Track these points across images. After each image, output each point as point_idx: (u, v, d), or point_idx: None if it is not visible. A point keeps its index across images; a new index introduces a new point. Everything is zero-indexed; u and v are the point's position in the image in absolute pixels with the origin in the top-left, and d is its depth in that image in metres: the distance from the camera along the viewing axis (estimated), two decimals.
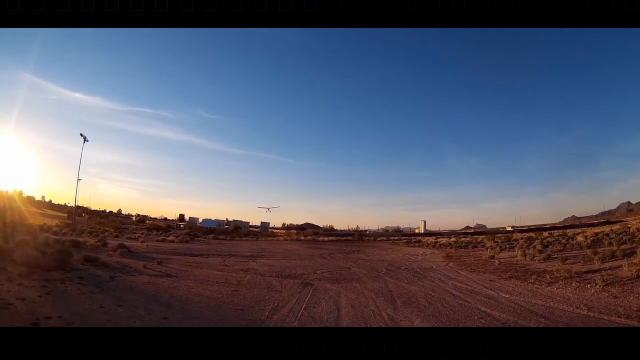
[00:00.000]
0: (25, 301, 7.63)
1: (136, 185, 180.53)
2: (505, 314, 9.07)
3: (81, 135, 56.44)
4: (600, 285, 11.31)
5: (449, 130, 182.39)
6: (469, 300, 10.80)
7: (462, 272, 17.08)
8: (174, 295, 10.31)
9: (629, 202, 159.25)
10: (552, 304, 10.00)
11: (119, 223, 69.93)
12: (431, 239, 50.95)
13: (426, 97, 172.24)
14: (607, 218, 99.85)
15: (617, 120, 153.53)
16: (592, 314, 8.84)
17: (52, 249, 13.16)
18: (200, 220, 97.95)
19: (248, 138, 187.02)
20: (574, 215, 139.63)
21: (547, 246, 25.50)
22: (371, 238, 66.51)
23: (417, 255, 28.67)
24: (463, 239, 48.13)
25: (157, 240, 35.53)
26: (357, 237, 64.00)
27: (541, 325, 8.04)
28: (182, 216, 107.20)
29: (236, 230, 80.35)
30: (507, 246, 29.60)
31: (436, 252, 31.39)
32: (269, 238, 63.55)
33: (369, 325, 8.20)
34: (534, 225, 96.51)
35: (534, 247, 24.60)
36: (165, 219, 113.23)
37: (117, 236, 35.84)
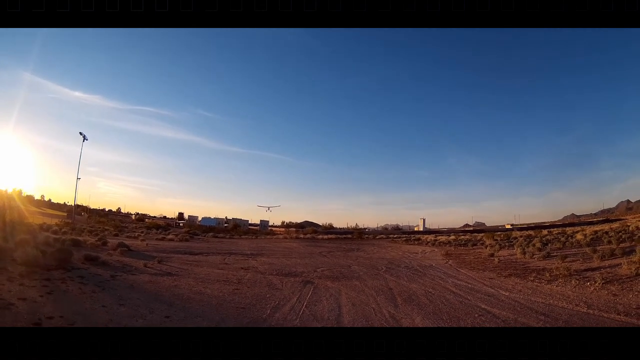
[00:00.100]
0: (27, 301, 7.63)
1: (135, 183, 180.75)
2: (506, 312, 9.10)
3: (80, 134, 56.66)
4: (599, 283, 11.34)
5: (448, 130, 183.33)
6: (469, 297, 10.83)
7: (462, 270, 17.11)
8: (175, 294, 10.33)
9: (628, 201, 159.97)
10: (551, 301, 10.03)
11: (118, 222, 69.89)
12: (430, 237, 50.99)
13: (426, 97, 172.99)
14: (606, 216, 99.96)
15: (616, 119, 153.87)
16: (591, 311, 8.88)
17: (53, 248, 13.17)
18: (200, 219, 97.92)
19: (248, 137, 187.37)
20: (573, 214, 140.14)
21: (547, 244, 25.53)
22: (370, 236, 66.64)
23: (416, 253, 28.72)
24: (462, 237, 48.15)
25: (156, 239, 35.57)
26: (357, 235, 64.11)
27: (541, 323, 8.08)
28: (181, 215, 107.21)
29: (235, 228, 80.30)
30: (507, 244, 29.62)
31: (436, 250, 31.43)
32: (268, 236, 63.65)
33: (370, 323, 8.24)
34: (533, 223, 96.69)
35: (534, 245, 24.60)
36: (165, 217, 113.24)
37: (116, 235, 35.85)
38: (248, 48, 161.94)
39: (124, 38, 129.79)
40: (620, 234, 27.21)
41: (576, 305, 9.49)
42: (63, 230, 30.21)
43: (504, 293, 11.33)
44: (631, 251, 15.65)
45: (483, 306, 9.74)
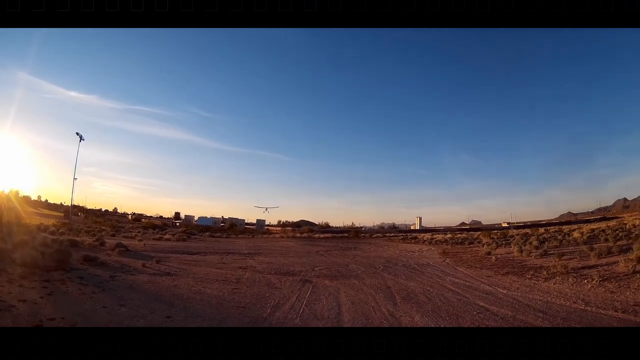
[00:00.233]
0: (27, 303, 7.58)
1: (131, 183, 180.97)
2: (504, 309, 9.17)
3: (77, 134, 56.36)
4: (596, 281, 11.43)
5: (445, 129, 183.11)
6: (467, 295, 10.89)
7: (459, 268, 17.20)
8: (175, 294, 10.31)
9: (625, 199, 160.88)
10: (549, 298, 10.11)
11: (115, 222, 69.69)
12: (427, 236, 51.22)
13: (423, 96, 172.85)
14: (603, 214, 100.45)
15: (613, 118, 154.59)
16: (589, 308, 8.96)
17: (51, 249, 13.10)
18: (196, 218, 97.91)
19: (243, 136, 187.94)
20: (569, 212, 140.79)
21: (543, 242, 25.69)
22: (367, 235, 66.81)
23: (413, 251, 28.82)
24: (459, 235, 48.39)
25: (154, 239, 35.47)
26: (353, 234, 64.28)
27: (539, 320, 8.14)
28: (177, 214, 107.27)
29: (232, 228, 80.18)
30: (503, 242, 29.80)
31: (432, 248, 31.58)
32: (265, 235, 63.70)
33: (370, 321, 8.27)
34: (530, 221, 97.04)
35: (530, 243, 24.75)
36: (161, 217, 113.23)
37: (113, 235, 35.74)
38: (244, 47, 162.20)
39: (120, 37, 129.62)
40: (617, 232, 27.41)
41: (574, 302, 9.56)
42: (60, 230, 30.06)
43: (501, 291, 11.39)
44: (628, 249, 15.75)
45: (481, 304, 9.80)
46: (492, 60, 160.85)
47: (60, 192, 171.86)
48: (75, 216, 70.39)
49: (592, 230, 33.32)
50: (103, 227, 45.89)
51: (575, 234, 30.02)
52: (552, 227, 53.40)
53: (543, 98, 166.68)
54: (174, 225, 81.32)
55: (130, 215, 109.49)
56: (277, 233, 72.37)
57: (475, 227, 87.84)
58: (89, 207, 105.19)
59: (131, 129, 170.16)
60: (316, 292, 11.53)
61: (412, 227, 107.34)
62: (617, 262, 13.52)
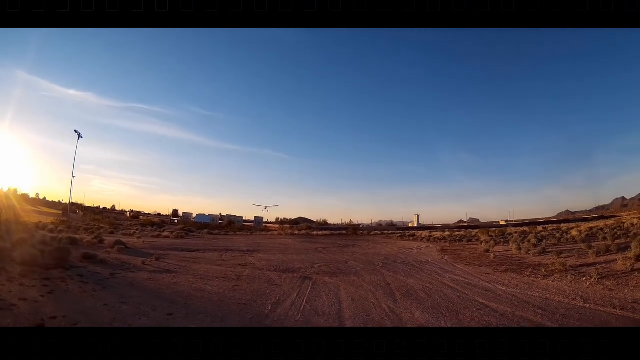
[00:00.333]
0: (28, 301, 7.59)
1: (129, 181, 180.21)
2: (503, 306, 9.24)
3: (75, 131, 56.17)
4: (595, 278, 11.51)
5: (443, 127, 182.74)
6: (466, 292, 10.95)
7: (458, 266, 17.27)
8: (176, 291, 10.34)
9: (623, 198, 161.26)
10: (548, 295, 10.18)
11: (113, 219, 69.52)
12: (425, 233, 51.25)
13: (420, 94, 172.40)
14: (601, 213, 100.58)
15: (612, 116, 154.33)
16: (588, 305, 9.02)
17: (50, 247, 13.10)
18: (194, 216, 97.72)
19: (241, 134, 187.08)
20: (567, 210, 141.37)
21: (542, 240, 25.73)
22: (365, 232, 66.76)
23: (412, 249, 28.86)
24: (457, 232, 48.50)
25: (152, 236, 35.42)
26: (351, 231, 64.17)
27: (539, 316, 8.21)
28: (175, 212, 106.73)
29: (230, 225, 79.97)
30: (502, 240, 29.82)
31: (431, 245, 31.59)
32: (263, 233, 63.62)
33: (371, 317, 8.33)
34: (528, 219, 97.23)
35: (529, 241, 24.79)
36: (159, 214, 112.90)
37: (112, 232, 35.76)
38: (243, 45, 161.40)
39: (119, 36, 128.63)
40: (615, 230, 27.51)
41: (573, 299, 9.63)
42: (59, 228, 29.98)
43: (501, 288, 11.46)
44: (626, 247, 15.82)
45: (481, 300, 9.86)
46: (491, 59, 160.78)
47: (58, 190, 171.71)
48: (74, 214, 70.28)
49: (591, 228, 33.42)
50: (101, 225, 45.78)
51: (574, 232, 30.15)
52: (550, 225, 53.49)
53: (542, 97, 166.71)
54: (172, 223, 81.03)
55: (128, 213, 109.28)
56: (275, 230, 72.23)
57: (473, 225, 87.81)
58: (87, 204, 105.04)
59: (129, 127, 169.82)
60: (316, 288, 11.57)
61: (410, 225, 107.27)
62: (616, 260, 13.60)
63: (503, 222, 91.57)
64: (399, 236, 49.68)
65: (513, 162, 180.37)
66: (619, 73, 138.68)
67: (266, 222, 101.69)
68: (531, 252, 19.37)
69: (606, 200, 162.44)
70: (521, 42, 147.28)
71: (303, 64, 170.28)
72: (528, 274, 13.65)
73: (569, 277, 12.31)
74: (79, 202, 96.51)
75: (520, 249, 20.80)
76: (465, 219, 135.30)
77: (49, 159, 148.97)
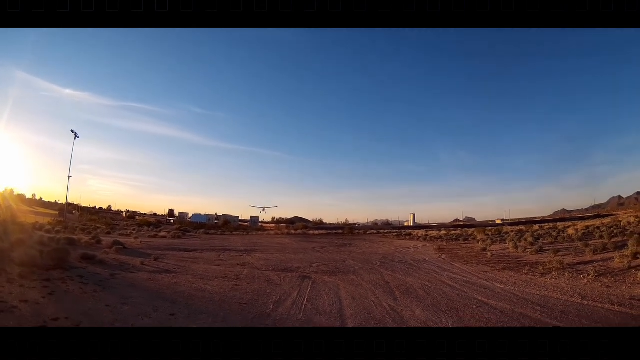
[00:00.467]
0: (29, 303, 7.53)
1: (125, 180, 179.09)
2: (502, 303, 9.31)
3: (72, 131, 56.06)
4: (592, 276, 11.61)
5: (442, 126, 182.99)
6: (465, 290, 11.02)
7: (456, 264, 17.35)
8: (177, 291, 10.34)
9: (619, 196, 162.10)
10: (546, 293, 10.26)
11: (109, 219, 69.26)
12: (422, 232, 51.42)
13: (418, 93, 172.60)
14: (597, 212, 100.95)
15: (609, 116, 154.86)
16: (586, 302, 9.10)
17: (49, 248, 13.00)
18: (190, 216, 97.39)
19: (238, 133, 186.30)
20: (564, 209, 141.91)
21: (538, 239, 25.90)
22: (361, 231, 66.84)
23: (408, 248, 28.96)
24: (453, 231, 48.67)
25: (149, 236, 35.30)
26: (348, 230, 64.35)
27: (537, 313, 8.28)
28: (171, 211, 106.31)
29: (226, 224, 79.73)
30: (498, 239, 29.96)
31: (427, 244, 31.71)
32: (259, 232, 63.60)
33: (372, 315, 8.38)
34: (524, 218, 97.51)
35: (525, 239, 24.92)
36: (155, 214, 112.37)
37: (109, 233, 35.57)
38: (243, 46, 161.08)
39: (117, 35, 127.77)
40: (612, 229, 27.64)
41: (571, 296, 9.71)
42: (56, 229, 29.85)
43: (499, 286, 11.53)
44: (623, 245, 15.95)
45: (480, 298, 9.93)
46: (489, 58, 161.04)
47: (54, 190, 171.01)
48: (70, 214, 70.00)
49: (587, 227, 33.57)
50: (98, 225, 45.55)
51: (570, 231, 30.28)
52: (546, 224, 53.75)
53: (540, 96, 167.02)
54: (168, 223, 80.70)
55: (124, 213, 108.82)
56: (271, 230, 72.21)
57: (470, 224, 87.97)
58: (83, 205, 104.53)
59: (126, 126, 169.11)
60: (316, 288, 11.62)
61: (405, 224, 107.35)
62: (613, 258, 13.71)
63: (499, 221, 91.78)
64: (395, 235, 49.78)
65: (510, 161, 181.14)
66: (617, 73, 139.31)
67: (262, 222, 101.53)
68: (528, 250, 19.49)
69: (603, 199, 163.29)
70: (520, 42, 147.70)
71: (303, 64, 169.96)
72: (525, 272, 13.74)
73: (566, 274, 12.40)
74: (75, 203, 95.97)
75: (517, 247, 20.95)
76: (461, 218, 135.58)
77: (45, 158, 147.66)
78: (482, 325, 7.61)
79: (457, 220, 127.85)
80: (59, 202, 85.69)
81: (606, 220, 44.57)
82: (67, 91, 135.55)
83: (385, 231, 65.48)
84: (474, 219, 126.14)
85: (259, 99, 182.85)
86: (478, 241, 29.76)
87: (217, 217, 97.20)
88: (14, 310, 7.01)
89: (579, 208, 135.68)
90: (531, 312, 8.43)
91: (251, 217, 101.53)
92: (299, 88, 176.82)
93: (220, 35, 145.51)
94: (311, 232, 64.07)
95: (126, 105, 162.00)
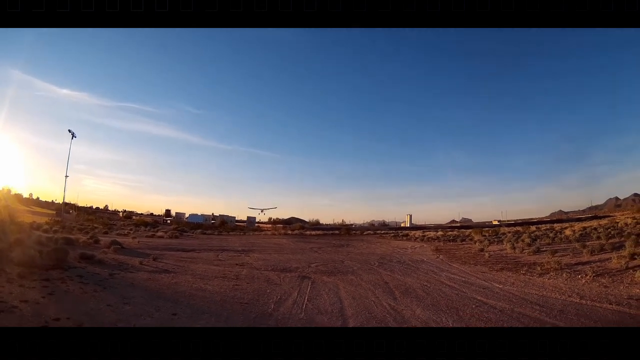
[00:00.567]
0: (30, 303, 7.52)
1: (122, 180, 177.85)
2: (501, 302, 9.36)
3: (69, 131, 55.81)
4: (590, 276, 11.67)
5: (441, 126, 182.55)
6: (464, 290, 11.07)
7: (454, 265, 17.40)
8: (177, 291, 10.35)
9: (616, 198, 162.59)
10: (545, 292, 10.30)
11: (106, 219, 69.08)
12: (419, 233, 51.31)
13: (415, 93, 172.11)
14: (594, 213, 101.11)
15: (607, 116, 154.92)
16: (584, 301, 9.15)
17: (47, 248, 12.99)
18: (187, 216, 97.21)
19: (234, 133, 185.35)
20: (560, 210, 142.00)
21: (536, 240, 25.93)
22: (358, 232, 66.76)
23: (406, 248, 28.96)
24: (450, 232, 48.57)
25: (146, 236, 35.19)
26: (344, 231, 64.22)
27: (536, 312, 8.33)
28: (168, 211, 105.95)
29: (223, 225, 79.57)
30: (495, 240, 30.02)
31: (425, 245, 31.69)
32: (256, 232, 63.48)
33: (373, 314, 8.42)
34: (521, 219, 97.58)
35: (523, 240, 25.00)
36: (152, 214, 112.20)
37: (106, 232, 35.47)
38: (243, 46, 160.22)
39: (112, 35, 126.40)
40: (609, 230, 27.68)
41: (569, 296, 9.76)
42: (54, 228, 29.81)
43: (497, 285, 11.58)
44: (620, 246, 16.08)
45: (479, 298, 9.97)
46: (489, 58, 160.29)
47: (51, 190, 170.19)
48: (67, 214, 69.76)
49: (584, 228, 33.65)
50: (95, 225, 45.41)
51: (567, 232, 30.37)
52: (543, 225, 53.66)
53: (538, 96, 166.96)
54: (165, 223, 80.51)
55: (121, 213, 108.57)
56: (268, 230, 72.07)
57: (466, 225, 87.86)
58: (80, 204, 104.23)
59: (122, 126, 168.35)
60: (316, 287, 11.65)
61: (402, 225, 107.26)
62: (610, 258, 13.78)
63: (495, 222, 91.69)
64: (392, 236, 49.76)
65: (510, 161, 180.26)
66: (617, 73, 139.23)
67: (258, 222, 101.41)
68: (525, 251, 19.55)
69: (600, 200, 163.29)
70: (520, 42, 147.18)
71: (303, 64, 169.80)
72: (524, 272, 13.79)
73: (564, 275, 12.46)
74: (72, 202, 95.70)
75: (514, 248, 21.03)
76: (457, 219, 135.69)
77: (41, 158, 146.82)
78: (482, 323, 7.67)
79: (453, 221, 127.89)
80: (56, 202, 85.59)
81: (603, 222, 44.59)
82: (64, 91, 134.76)
83: (382, 232, 65.33)
84: (471, 219, 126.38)
85: (258, 99, 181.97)
86: (475, 242, 29.79)
87: (214, 217, 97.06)
88: (14, 310, 7.00)
89: (576, 209, 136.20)
90: (530, 311, 8.47)
91: (248, 217, 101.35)
92: (299, 88, 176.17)
93: (220, 35, 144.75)
94: (308, 232, 63.92)
95: (123, 106, 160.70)
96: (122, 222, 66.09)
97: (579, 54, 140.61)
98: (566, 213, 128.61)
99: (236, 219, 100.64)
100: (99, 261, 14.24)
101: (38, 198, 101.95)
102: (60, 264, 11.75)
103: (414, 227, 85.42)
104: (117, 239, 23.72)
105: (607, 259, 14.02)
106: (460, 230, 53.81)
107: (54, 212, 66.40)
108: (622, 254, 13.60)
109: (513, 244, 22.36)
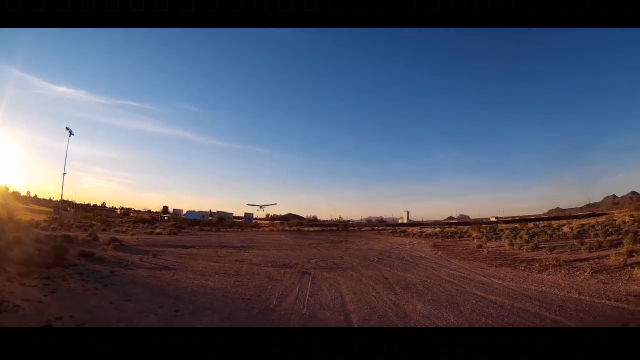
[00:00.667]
0: (31, 302, 7.48)
1: (119, 178, 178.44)
2: (501, 298, 9.45)
3: (67, 128, 55.66)
4: (588, 273, 11.74)
5: (440, 125, 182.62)
6: (464, 285, 11.16)
7: (453, 261, 17.49)
8: (179, 288, 10.39)
9: (614, 195, 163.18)
10: (543, 288, 10.38)
11: (104, 216, 69.07)
12: (416, 229, 51.46)
13: (413, 92, 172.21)
14: (592, 211, 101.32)
15: (605, 115, 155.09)
16: (583, 297, 9.23)
17: (47, 246, 12.98)
18: (184, 212, 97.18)
19: (231, 131, 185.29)
20: (558, 207, 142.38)
21: (534, 236, 25.94)
22: (356, 228, 66.96)
23: (404, 244, 29.08)
24: (448, 229, 48.63)
25: (145, 233, 35.15)
26: (342, 227, 64.40)
27: (536, 308, 8.41)
28: (165, 208, 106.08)
29: (221, 221, 79.60)
30: (493, 236, 29.98)
31: (423, 241, 31.77)
32: (254, 229, 63.49)
33: (374, 310, 8.50)
34: (518, 216, 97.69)
35: (521, 237, 24.95)
36: (149, 211, 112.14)
37: (105, 230, 35.39)
38: (243, 46, 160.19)
39: (110, 34, 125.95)
40: (607, 227, 27.83)
41: (568, 292, 9.83)
42: (52, 226, 29.71)
43: (497, 281, 11.66)
44: (618, 243, 16.18)
45: (479, 293, 10.05)
46: (489, 58, 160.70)
47: (49, 188, 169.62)
48: (65, 211, 69.67)
49: (582, 225, 33.66)
50: (93, 222, 45.37)
51: (565, 229, 30.40)
52: (541, 222, 53.89)
53: (539, 95, 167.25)
54: (163, 220, 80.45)
55: (118, 210, 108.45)
56: (266, 226, 72.15)
57: (464, 221, 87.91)
58: (77, 202, 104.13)
59: (119, 124, 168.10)
60: (317, 283, 11.74)
61: (399, 221, 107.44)
62: (608, 255, 13.83)
63: (493, 219, 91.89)
64: (390, 232, 49.77)
65: (507, 161, 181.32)
66: (617, 73, 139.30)
67: (256, 219, 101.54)
68: (524, 247, 19.58)
69: (597, 198, 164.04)
70: (520, 42, 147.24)
71: (303, 64, 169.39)
72: (522, 268, 13.87)
73: (562, 271, 12.54)
74: (69, 200, 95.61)
75: (512, 244, 21.08)
76: (455, 215, 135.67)
77: (39, 156, 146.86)
78: (483, 318, 7.74)
79: (451, 218, 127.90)
80: (54, 199, 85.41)
81: (601, 219, 44.74)
82: (62, 89, 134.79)
83: (380, 228, 65.44)
84: (468, 216, 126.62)
85: (258, 98, 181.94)
86: (473, 238, 29.85)
87: (211, 213, 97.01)
88: (16, 309, 6.96)
89: (574, 207, 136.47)
90: (530, 306, 8.55)
91: (245, 213, 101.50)
92: (299, 88, 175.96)
93: (220, 35, 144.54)
94: (306, 228, 64.17)
95: (121, 104, 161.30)
96: (120, 219, 66.14)
97: (579, 54, 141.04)
98: (564, 210, 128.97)
99: (234, 215, 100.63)
100: (98, 258, 14.23)
101: (36, 196, 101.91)
102: (60, 262, 11.73)
103: (412, 224, 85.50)
104: (115, 236, 23.67)
105: (605, 256, 14.08)
106: (458, 227, 53.82)
107: (52, 210, 66.24)
108: (620, 251, 13.74)
109: (511, 241, 22.41)
